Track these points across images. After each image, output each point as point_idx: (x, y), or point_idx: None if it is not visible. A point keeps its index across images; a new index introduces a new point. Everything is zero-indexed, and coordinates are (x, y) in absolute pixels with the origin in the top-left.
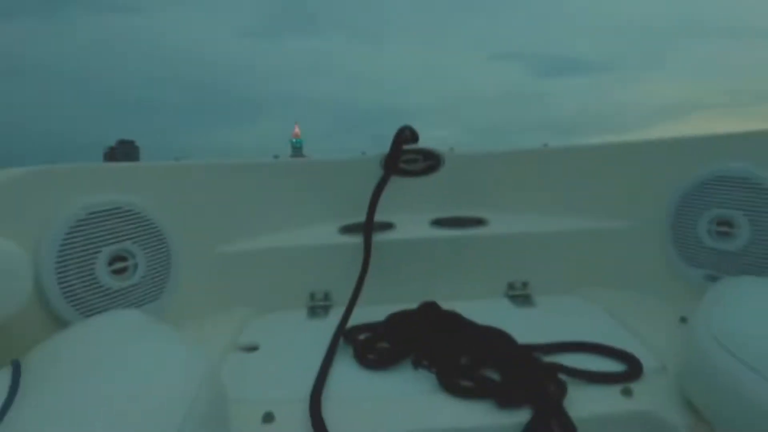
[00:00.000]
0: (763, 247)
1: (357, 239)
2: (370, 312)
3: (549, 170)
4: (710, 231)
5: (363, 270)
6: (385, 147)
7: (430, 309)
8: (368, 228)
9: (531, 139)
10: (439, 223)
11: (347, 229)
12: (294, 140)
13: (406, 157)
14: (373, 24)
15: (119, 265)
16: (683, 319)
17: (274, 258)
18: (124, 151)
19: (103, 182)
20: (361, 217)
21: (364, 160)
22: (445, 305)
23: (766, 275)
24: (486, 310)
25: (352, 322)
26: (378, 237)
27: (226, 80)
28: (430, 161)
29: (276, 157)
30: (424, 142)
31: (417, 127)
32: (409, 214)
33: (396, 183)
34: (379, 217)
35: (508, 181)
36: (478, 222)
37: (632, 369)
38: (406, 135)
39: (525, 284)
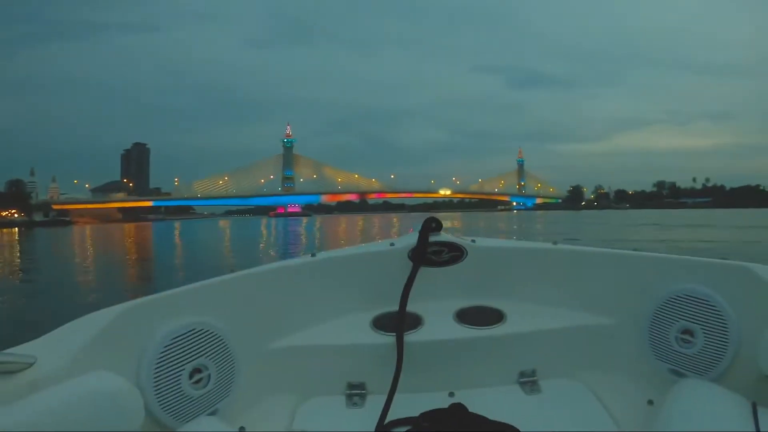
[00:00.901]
0: (710, 354)
1: (388, 339)
2: (401, 400)
3: (556, 267)
4: (677, 338)
5: (397, 371)
6: (374, 144)
7: (458, 411)
8: (400, 327)
9: (512, 144)
10: (462, 315)
11: (380, 321)
12: (285, 140)
13: (432, 249)
14: (366, 35)
15: (197, 376)
16: (650, 402)
17: (316, 352)
18: (137, 152)
19: (178, 306)
20: (392, 305)
21: (394, 251)
22: (466, 393)
23: (709, 374)
24: (501, 400)
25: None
26: (408, 337)
27: (230, 86)
28: (454, 252)
29: (313, 255)
30: (417, 145)
31: (409, 128)
32: (436, 302)
33: (423, 272)
34: (409, 307)
35: (522, 273)
36: (497, 315)
37: None
38: (432, 226)
39: (533, 371)
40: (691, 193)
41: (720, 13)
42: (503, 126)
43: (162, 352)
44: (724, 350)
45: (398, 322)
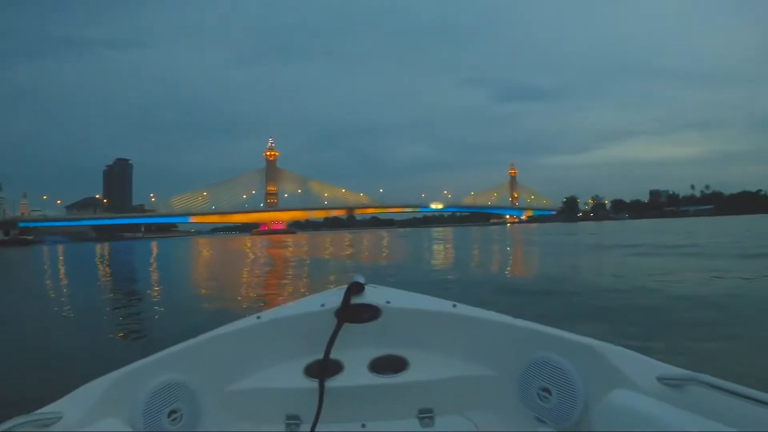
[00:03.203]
0: (563, 409)
1: (316, 383)
2: (326, 429)
3: (453, 326)
4: (538, 394)
5: (318, 409)
6: (361, 159)
7: None
8: (323, 373)
9: (498, 157)
10: (375, 363)
11: (311, 369)
12: (268, 154)
13: (354, 309)
14: (349, 50)
15: (173, 416)
16: None
17: (262, 393)
18: (120, 168)
19: (158, 367)
20: (321, 355)
21: (323, 311)
22: (375, 424)
23: (561, 425)
24: None
25: None
26: (330, 382)
27: (216, 102)
28: (371, 312)
29: (258, 317)
30: (405, 159)
31: (393, 144)
32: (355, 352)
33: (346, 328)
34: (333, 356)
35: (425, 330)
36: (403, 363)
37: None
38: (354, 290)
39: (431, 409)
40: (691, 201)
41: (696, 20)
42: (491, 139)
43: (148, 402)
44: (573, 408)
45: (322, 369)
